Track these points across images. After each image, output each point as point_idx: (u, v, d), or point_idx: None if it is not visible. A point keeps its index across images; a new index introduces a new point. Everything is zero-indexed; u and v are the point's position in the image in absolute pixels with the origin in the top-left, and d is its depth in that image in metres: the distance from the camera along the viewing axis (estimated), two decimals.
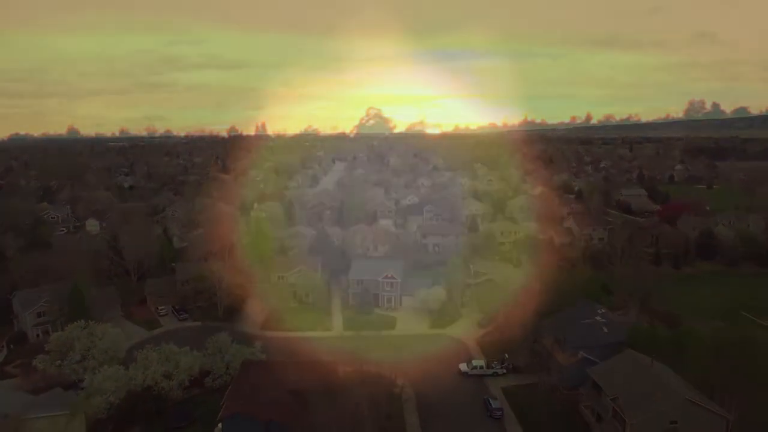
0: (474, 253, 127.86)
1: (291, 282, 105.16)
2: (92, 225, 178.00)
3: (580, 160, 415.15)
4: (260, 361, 70.79)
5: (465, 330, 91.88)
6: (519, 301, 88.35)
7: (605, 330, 71.31)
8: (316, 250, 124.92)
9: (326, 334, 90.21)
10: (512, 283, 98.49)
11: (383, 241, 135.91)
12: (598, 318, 74.28)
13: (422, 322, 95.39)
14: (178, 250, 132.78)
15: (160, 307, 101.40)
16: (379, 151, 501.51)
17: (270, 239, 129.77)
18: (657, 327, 78.76)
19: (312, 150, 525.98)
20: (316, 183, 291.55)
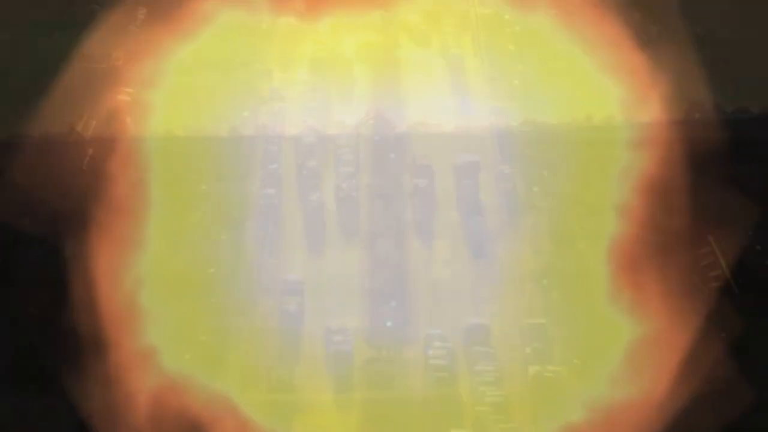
0: (481, 285, 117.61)
1: (277, 327, 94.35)
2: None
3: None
4: None
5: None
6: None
7: None
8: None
9: (315, 398, 79.25)
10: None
11: (381, 271, 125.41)
12: None
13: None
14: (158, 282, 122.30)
15: None
16: (379, 155, 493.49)
17: (258, 270, 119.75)
18: None
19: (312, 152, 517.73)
20: (315, 192, 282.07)
